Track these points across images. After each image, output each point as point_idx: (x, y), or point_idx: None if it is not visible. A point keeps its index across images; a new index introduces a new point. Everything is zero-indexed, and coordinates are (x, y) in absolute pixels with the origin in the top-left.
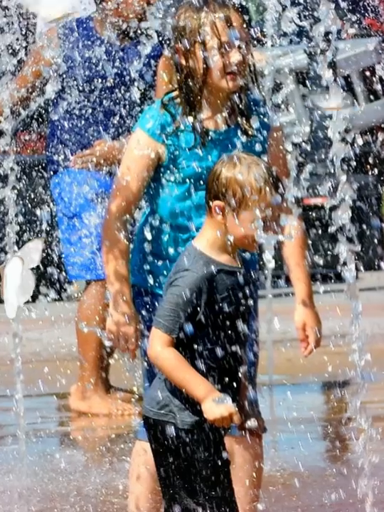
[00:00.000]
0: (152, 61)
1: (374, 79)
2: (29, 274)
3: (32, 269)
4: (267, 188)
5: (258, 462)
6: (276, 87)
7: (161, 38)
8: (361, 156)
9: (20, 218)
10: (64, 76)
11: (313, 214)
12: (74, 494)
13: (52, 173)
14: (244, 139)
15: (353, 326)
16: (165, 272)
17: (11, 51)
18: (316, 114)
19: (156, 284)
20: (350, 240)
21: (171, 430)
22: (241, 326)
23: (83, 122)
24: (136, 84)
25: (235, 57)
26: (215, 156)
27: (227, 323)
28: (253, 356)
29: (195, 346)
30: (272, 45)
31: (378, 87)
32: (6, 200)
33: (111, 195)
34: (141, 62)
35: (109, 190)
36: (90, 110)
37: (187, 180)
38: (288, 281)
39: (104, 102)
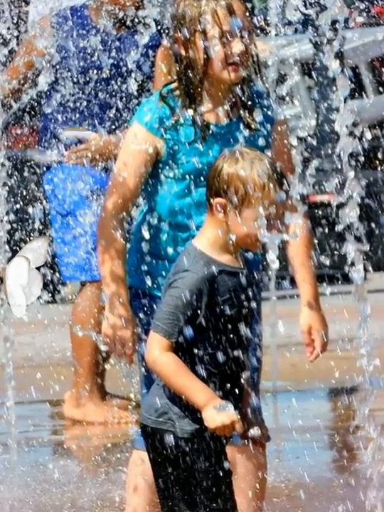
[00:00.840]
0: (150, 51)
1: (383, 70)
2: (35, 273)
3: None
4: (271, 185)
5: (261, 473)
6: (281, 79)
7: (159, 27)
8: (370, 150)
9: (12, 216)
10: (57, 67)
11: (320, 212)
12: (68, 506)
13: (45, 168)
14: (246, 133)
15: (361, 330)
16: (163, 273)
17: (1, 40)
18: (322, 107)
19: (154, 286)
20: (358, 239)
21: (170, 439)
22: (243, 329)
23: (77, 115)
24: (133, 75)
25: (237, 47)
26: (217, 151)
27: (229, 326)
28: (256, 361)
29: (196, 351)
30: (276, 35)
31: None
32: None
33: (107, 192)
34: (139, 53)
35: (105, 187)
36: (85, 103)
37: (187, 176)
38: (293, 282)
39: (100, 94)
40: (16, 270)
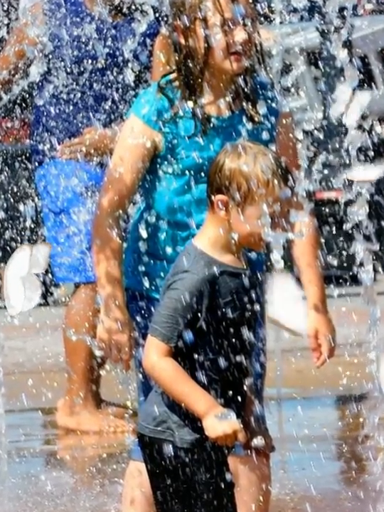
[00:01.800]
0: (148, 40)
1: None
2: (34, 279)
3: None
4: (276, 181)
5: (265, 484)
6: (286, 69)
7: (157, 15)
8: (379, 144)
9: (2, 214)
10: (50, 56)
11: (327, 209)
12: None
13: (37, 164)
14: (249, 126)
15: (371, 334)
16: (162, 274)
17: None
18: (329, 99)
19: (152, 287)
20: (367, 238)
21: (168, 449)
22: (246, 333)
23: (71, 108)
24: (130, 65)
25: (239, 35)
26: (218, 145)
27: (231, 330)
28: (260, 367)
29: (196, 356)
30: (280, 23)
31: None
32: None
33: (102, 189)
34: (136, 41)
35: (100, 183)
36: (79, 94)
37: (186, 172)
38: (299, 283)
39: (95, 85)
40: (17, 262)
